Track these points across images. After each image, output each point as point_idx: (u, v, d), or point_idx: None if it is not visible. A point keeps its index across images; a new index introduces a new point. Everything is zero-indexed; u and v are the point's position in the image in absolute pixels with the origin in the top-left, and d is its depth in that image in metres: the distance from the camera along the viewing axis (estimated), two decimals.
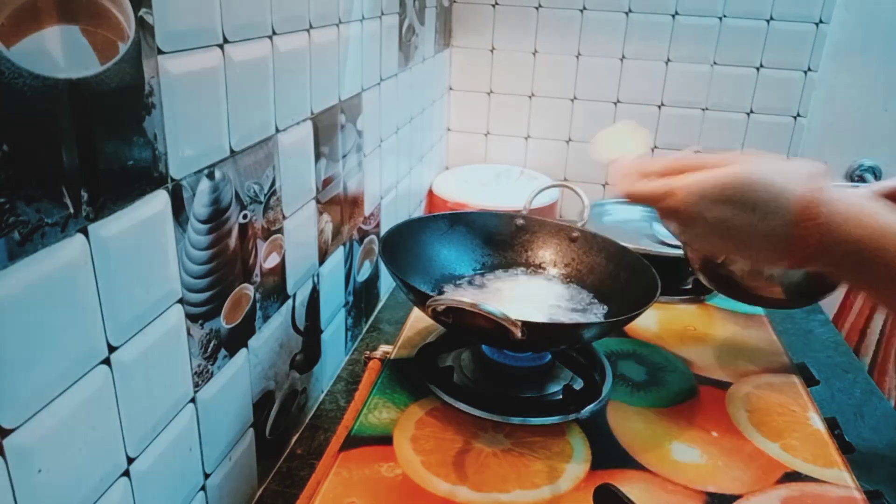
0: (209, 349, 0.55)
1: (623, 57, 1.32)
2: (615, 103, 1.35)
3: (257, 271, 0.62)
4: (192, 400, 0.54)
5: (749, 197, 0.46)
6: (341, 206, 0.82)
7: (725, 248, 0.49)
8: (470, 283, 0.81)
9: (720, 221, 0.47)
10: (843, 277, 0.46)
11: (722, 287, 0.73)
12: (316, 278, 0.76)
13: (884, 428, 0.77)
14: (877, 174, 1.33)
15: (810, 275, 0.63)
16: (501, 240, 0.86)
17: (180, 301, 0.50)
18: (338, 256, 0.83)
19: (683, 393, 0.71)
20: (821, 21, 1.23)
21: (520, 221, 0.87)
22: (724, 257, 0.65)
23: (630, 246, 0.80)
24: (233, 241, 0.57)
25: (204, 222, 0.52)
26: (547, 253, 0.85)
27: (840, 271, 0.45)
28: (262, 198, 0.61)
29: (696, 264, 0.73)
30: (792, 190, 0.45)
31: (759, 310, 0.90)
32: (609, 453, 0.62)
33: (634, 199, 0.53)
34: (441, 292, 0.79)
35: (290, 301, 0.70)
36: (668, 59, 1.30)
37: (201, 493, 0.58)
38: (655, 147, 1.37)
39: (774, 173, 0.47)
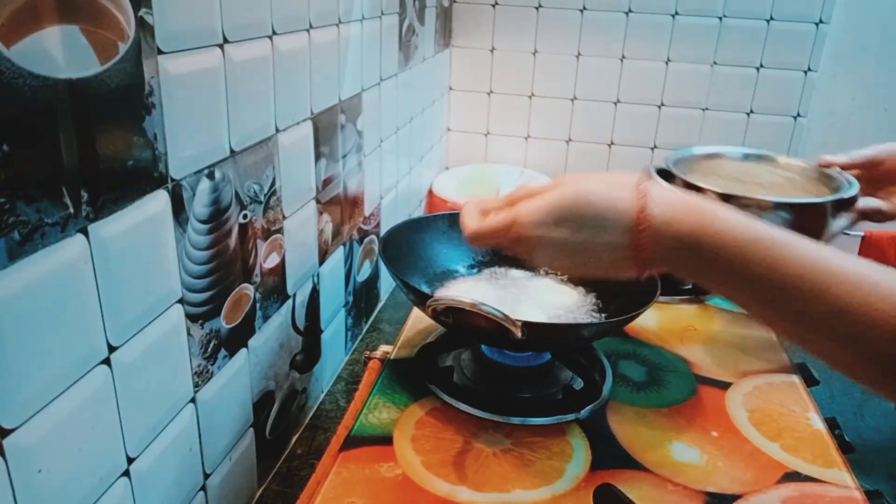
0: (209, 349, 0.55)
1: (623, 57, 1.32)
2: (615, 103, 1.35)
3: (257, 271, 0.62)
4: (192, 400, 0.54)
5: (581, 214, 0.47)
6: (341, 206, 0.82)
7: (575, 267, 0.50)
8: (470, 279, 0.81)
9: (562, 243, 0.48)
10: (690, 277, 0.47)
11: None
12: (316, 278, 0.76)
13: (884, 428, 0.77)
14: None
15: (795, 226, 0.65)
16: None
17: (180, 301, 0.50)
18: (338, 256, 0.83)
19: (683, 393, 0.71)
20: (821, 21, 1.24)
21: None
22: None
23: None
24: (233, 241, 0.57)
25: (204, 222, 0.52)
26: None
27: (684, 272, 0.46)
28: (262, 198, 0.61)
29: None
30: (620, 200, 0.46)
31: None
32: (609, 453, 0.62)
33: (482, 238, 0.53)
34: (450, 282, 0.78)
35: (290, 301, 0.70)
36: (668, 59, 1.31)
37: (201, 493, 0.58)
38: (655, 147, 1.37)
39: (600, 187, 0.48)
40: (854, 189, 0.75)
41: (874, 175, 0.78)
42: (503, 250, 0.55)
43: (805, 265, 0.42)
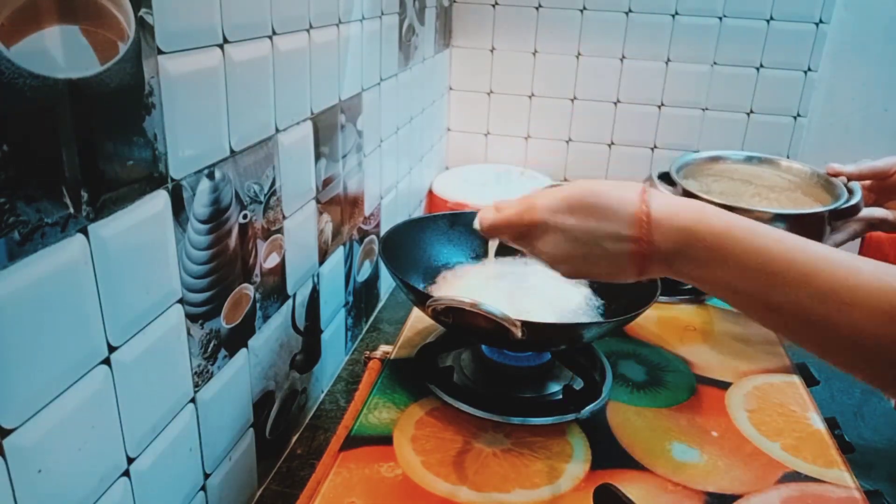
0: (209, 349, 0.55)
1: (623, 57, 1.32)
2: (615, 103, 1.35)
3: (257, 271, 0.62)
4: (192, 400, 0.54)
5: (590, 203, 0.50)
6: (341, 206, 0.82)
7: (580, 260, 0.53)
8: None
9: (570, 229, 0.51)
10: (686, 273, 0.49)
11: None
12: (316, 278, 0.76)
13: (884, 428, 0.77)
14: None
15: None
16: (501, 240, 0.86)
17: (180, 301, 0.50)
18: (338, 256, 0.83)
19: (683, 393, 0.71)
20: (821, 21, 1.23)
21: None
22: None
23: None
24: (233, 241, 0.57)
25: (204, 222, 0.52)
26: None
27: (681, 265, 0.48)
28: (262, 198, 0.61)
29: None
30: (626, 194, 0.50)
31: None
32: (609, 453, 0.62)
33: (497, 227, 0.56)
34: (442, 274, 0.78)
35: (290, 301, 0.70)
36: (668, 59, 1.31)
37: (201, 493, 0.58)
38: (655, 147, 1.37)
39: (609, 185, 0.52)
40: (854, 199, 0.75)
41: (883, 186, 0.78)
42: (514, 241, 0.57)
43: (796, 250, 0.44)
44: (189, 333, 0.52)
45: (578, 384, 0.71)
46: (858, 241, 1.04)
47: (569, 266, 0.53)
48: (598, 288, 0.79)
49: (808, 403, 0.70)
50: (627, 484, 0.58)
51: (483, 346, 0.74)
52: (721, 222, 0.47)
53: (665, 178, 0.77)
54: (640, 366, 0.76)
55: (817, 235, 0.73)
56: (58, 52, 0.36)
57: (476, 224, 0.58)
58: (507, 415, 0.65)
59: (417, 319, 0.82)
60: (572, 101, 1.37)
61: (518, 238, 0.56)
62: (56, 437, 0.39)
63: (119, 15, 0.40)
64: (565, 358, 0.73)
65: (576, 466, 0.60)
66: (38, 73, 0.35)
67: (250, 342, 0.62)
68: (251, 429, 0.65)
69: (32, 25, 0.34)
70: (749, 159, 0.86)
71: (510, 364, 0.72)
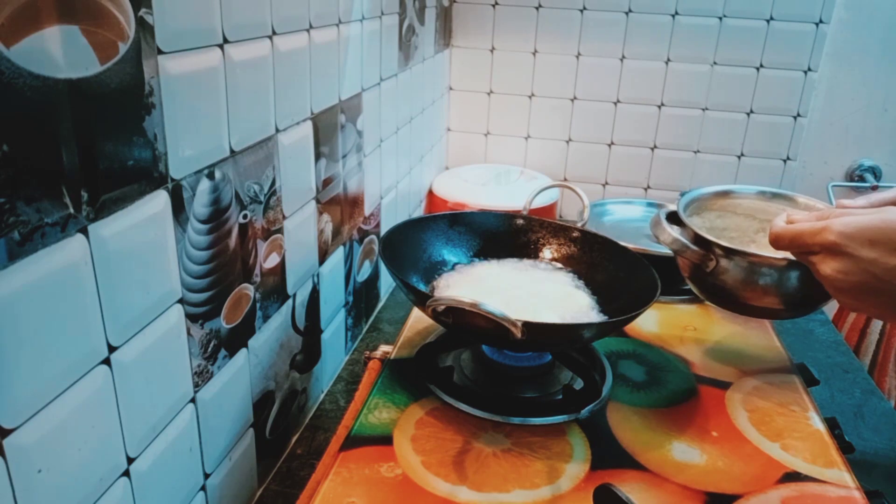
0: (209, 349, 0.55)
1: (623, 57, 1.32)
2: (615, 103, 1.35)
3: (257, 271, 0.62)
4: (192, 400, 0.54)
5: None
6: (341, 206, 0.82)
7: (871, 296, 0.49)
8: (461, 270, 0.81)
9: (868, 263, 0.48)
10: None
11: (714, 297, 0.72)
12: (316, 278, 0.76)
13: (884, 428, 0.77)
14: (877, 174, 1.33)
15: (806, 285, 0.62)
16: (501, 240, 0.86)
17: (180, 301, 0.50)
18: (338, 256, 0.83)
19: (683, 393, 0.71)
20: (821, 21, 1.24)
21: (520, 221, 0.87)
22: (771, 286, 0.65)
23: (630, 246, 0.80)
24: (233, 241, 0.57)
25: (204, 222, 0.52)
26: (547, 253, 0.85)
27: None
28: (262, 198, 0.61)
29: (686, 272, 0.73)
30: None
31: None
32: (609, 453, 0.62)
33: (786, 238, 0.55)
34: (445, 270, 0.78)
35: (290, 301, 0.70)
36: (668, 59, 1.31)
37: (201, 493, 0.58)
38: (655, 147, 1.37)
39: None
40: None
41: None
42: (798, 257, 0.55)
43: None
44: (189, 333, 0.52)
45: (578, 384, 0.71)
46: None
47: (856, 300, 0.50)
48: (597, 288, 0.79)
49: (808, 403, 0.70)
50: (627, 484, 0.58)
51: (483, 346, 0.74)
52: None
53: (673, 217, 0.75)
54: (640, 366, 0.76)
55: None
56: (58, 52, 0.36)
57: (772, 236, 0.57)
58: (507, 415, 0.65)
59: (417, 319, 0.82)
60: (572, 101, 1.37)
61: (803, 255, 0.54)
62: (56, 437, 0.39)
63: (119, 15, 0.40)
64: (565, 358, 0.73)
65: (576, 466, 0.60)
66: (38, 73, 0.35)
67: (250, 342, 0.62)
68: (251, 429, 0.65)
69: (32, 25, 0.34)
70: (762, 194, 0.82)
71: (510, 364, 0.72)
